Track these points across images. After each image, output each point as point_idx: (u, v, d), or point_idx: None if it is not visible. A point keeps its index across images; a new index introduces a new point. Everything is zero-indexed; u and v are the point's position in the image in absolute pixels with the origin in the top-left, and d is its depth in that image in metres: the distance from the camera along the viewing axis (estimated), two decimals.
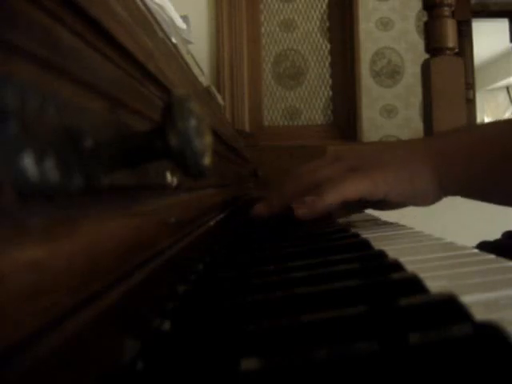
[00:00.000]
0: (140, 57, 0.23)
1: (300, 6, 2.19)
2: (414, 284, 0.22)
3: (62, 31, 0.15)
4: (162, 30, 0.33)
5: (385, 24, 2.20)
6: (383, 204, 0.56)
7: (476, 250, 0.34)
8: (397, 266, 0.27)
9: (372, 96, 2.17)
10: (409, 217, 0.60)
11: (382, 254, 0.31)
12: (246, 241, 0.50)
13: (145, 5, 0.28)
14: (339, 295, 0.23)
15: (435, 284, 0.22)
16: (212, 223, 0.43)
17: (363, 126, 2.12)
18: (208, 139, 0.20)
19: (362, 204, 0.57)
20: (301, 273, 0.28)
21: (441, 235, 0.42)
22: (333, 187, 0.51)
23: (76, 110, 0.16)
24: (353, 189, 0.51)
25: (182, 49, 0.56)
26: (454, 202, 0.58)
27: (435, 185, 0.52)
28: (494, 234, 0.78)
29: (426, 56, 1.62)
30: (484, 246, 0.69)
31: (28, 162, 0.12)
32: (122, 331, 0.17)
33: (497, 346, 0.14)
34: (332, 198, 0.50)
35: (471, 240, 0.71)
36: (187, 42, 0.85)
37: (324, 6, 2.19)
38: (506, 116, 5.27)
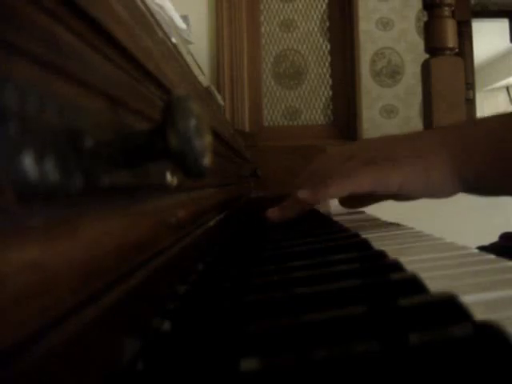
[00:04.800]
0: (140, 57, 0.23)
1: (300, 6, 2.19)
2: (414, 284, 0.22)
3: (62, 31, 0.15)
4: (162, 29, 0.33)
5: (385, 24, 2.19)
6: (398, 195, 0.53)
7: (476, 250, 0.34)
8: (397, 266, 0.27)
9: (372, 96, 2.17)
10: (409, 217, 0.60)
11: (382, 254, 0.31)
12: (246, 241, 0.50)
13: (145, 5, 0.28)
14: (339, 295, 0.22)
15: (435, 284, 0.22)
16: (212, 223, 0.43)
17: (363, 126, 2.12)
18: (208, 139, 0.20)
19: (375, 197, 0.54)
20: (301, 273, 0.28)
21: (440, 236, 0.42)
22: (339, 179, 0.48)
23: (76, 110, 0.16)
24: (362, 182, 0.48)
25: (182, 49, 0.56)
26: (453, 204, 0.57)
27: (454, 176, 0.49)
28: (492, 236, 0.78)
29: (426, 56, 1.62)
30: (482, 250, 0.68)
31: (28, 162, 0.12)
32: (122, 331, 0.17)
33: (497, 346, 0.14)
34: (338, 188, 0.48)
35: (469, 242, 0.71)
36: (187, 41, 0.85)
37: (324, 6, 2.19)
38: None
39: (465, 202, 0.55)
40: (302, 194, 0.51)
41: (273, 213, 0.55)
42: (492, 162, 0.48)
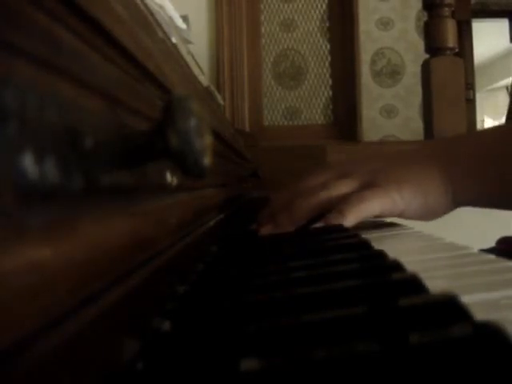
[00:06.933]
0: (140, 57, 0.23)
1: (300, 6, 2.19)
2: (414, 284, 0.22)
3: (61, 31, 0.15)
4: (162, 29, 0.33)
5: (385, 24, 2.19)
6: None
7: (476, 251, 0.34)
8: (397, 266, 0.27)
9: (372, 96, 2.17)
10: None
11: (382, 254, 0.31)
12: (246, 241, 0.50)
13: (145, 5, 0.28)
14: (339, 295, 0.22)
15: (435, 284, 0.22)
16: (212, 223, 0.43)
17: (363, 126, 2.12)
18: (208, 139, 0.20)
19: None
20: (301, 273, 0.28)
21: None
22: (354, 206, 0.48)
23: (76, 110, 0.16)
24: (373, 208, 0.49)
25: (182, 49, 0.56)
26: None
27: (448, 199, 0.51)
28: (489, 241, 0.78)
29: (426, 56, 1.62)
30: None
31: (28, 162, 0.12)
32: (122, 331, 0.17)
33: (497, 346, 0.14)
34: (354, 217, 0.48)
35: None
36: (187, 41, 0.84)
37: (324, 6, 2.19)
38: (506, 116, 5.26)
39: (460, 210, 0.55)
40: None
41: (267, 231, 0.51)
42: (486, 184, 0.50)
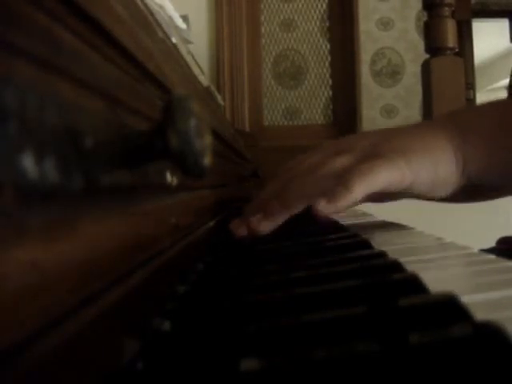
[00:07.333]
0: (140, 57, 0.23)
1: (300, 6, 2.19)
2: (415, 284, 0.22)
3: (61, 31, 0.15)
4: (162, 29, 0.33)
5: (385, 24, 2.19)
6: (385, 195, 0.48)
7: (476, 251, 0.34)
8: (397, 266, 0.27)
9: (372, 96, 2.17)
10: (409, 218, 0.60)
11: (382, 254, 0.31)
12: (245, 241, 0.50)
13: (145, 5, 0.28)
14: (339, 295, 0.22)
15: (435, 284, 0.22)
16: (212, 223, 0.43)
17: (363, 126, 2.12)
18: (208, 139, 0.20)
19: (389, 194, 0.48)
20: (301, 273, 0.28)
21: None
22: (360, 176, 0.41)
23: (76, 110, 0.16)
24: (382, 180, 0.42)
25: (182, 49, 0.56)
26: (450, 210, 0.55)
27: (459, 170, 0.46)
28: (489, 241, 0.78)
29: (426, 56, 1.62)
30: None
31: (28, 162, 0.12)
32: (122, 331, 0.17)
33: (497, 346, 0.14)
34: (361, 189, 0.41)
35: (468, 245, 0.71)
36: (187, 41, 0.84)
37: (324, 6, 2.19)
38: None
39: (460, 209, 0.53)
40: (321, 205, 0.40)
41: (258, 225, 0.44)
42: (497, 154, 0.46)
